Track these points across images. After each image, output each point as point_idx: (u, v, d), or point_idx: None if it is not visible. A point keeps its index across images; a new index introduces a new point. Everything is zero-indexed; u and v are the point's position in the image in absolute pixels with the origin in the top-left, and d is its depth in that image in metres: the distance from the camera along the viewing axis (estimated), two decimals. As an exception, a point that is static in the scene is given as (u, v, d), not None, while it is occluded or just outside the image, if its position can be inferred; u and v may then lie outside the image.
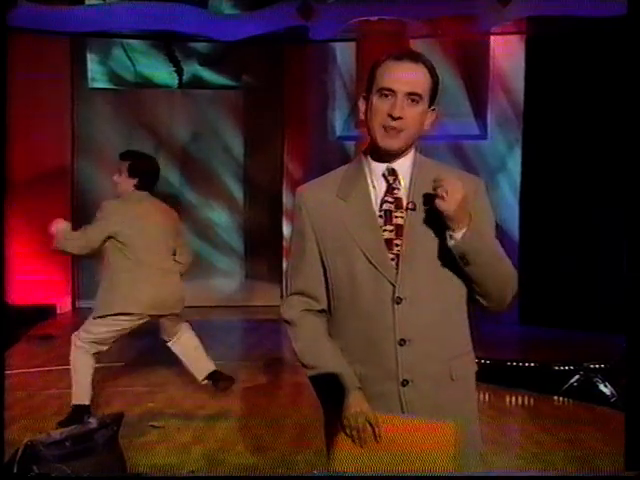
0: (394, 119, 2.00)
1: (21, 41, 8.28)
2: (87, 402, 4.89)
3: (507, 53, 9.13)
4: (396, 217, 2.05)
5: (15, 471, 3.24)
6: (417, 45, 8.50)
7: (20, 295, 8.65)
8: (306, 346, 2.13)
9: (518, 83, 8.98)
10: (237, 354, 7.10)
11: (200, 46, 10.36)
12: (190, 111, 10.32)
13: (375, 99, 2.04)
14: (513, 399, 5.86)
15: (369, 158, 2.11)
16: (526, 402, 5.81)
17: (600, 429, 4.97)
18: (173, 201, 10.16)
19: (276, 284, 9.92)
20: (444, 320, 2.06)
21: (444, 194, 1.94)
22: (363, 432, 2.01)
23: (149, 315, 5.01)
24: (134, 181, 4.97)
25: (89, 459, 3.43)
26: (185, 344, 5.37)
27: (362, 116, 2.09)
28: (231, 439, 4.77)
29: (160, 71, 10.40)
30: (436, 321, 2.05)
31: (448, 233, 1.98)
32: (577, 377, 5.84)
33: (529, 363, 6.28)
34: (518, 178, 9.02)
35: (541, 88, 8.68)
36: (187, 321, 5.43)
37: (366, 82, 2.09)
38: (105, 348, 4.99)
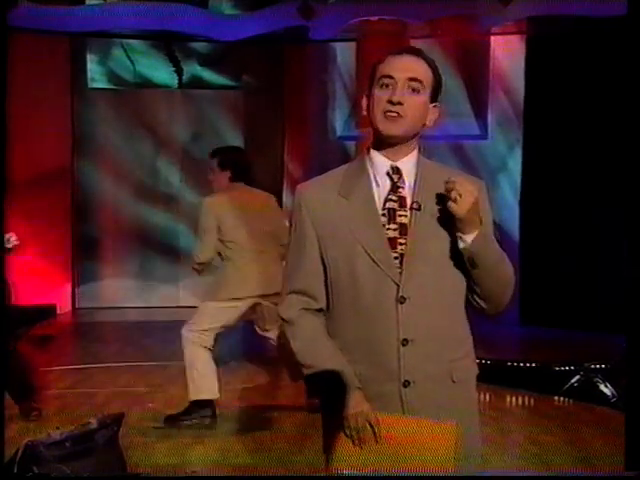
0: (394, 104, 1.99)
1: (21, 41, 8.29)
2: (210, 396, 4.90)
3: (507, 53, 9.13)
4: (400, 216, 2.03)
5: (15, 471, 3.24)
6: (417, 45, 8.47)
7: (20, 295, 8.64)
8: (305, 345, 2.11)
9: (518, 83, 8.98)
10: (237, 354, 7.09)
11: (200, 46, 10.36)
12: (190, 111, 10.31)
13: (376, 90, 2.03)
14: (513, 399, 5.86)
15: (372, 156, 2.09)
16: (526, 402, 5.82)
17: (600, 429, 4.97)
18: (173, 201, 10.23)
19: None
20: (446, 321, 2.05)
21: (457, 197, 1.93)
22: (363, 433, 1.99)
23: (256, 296, 5.01)
24: (227, 173, 5.04)
25: (89, 459, 3.43)
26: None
27: (365, 113, 2.08)
28: (231, 439, 4.78)
29: (160, 71, 10.39)
30: (438, 321, 2.04)
31: (459, 235, 1.98)
32: (577, 377, 5.83)
33: (529, 363, 6.28)
34: (518, 178, 9.02)
35: (541, 88, 8.68)
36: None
37: (368, 81, 2.08)
38: (220, 331, 5.00)
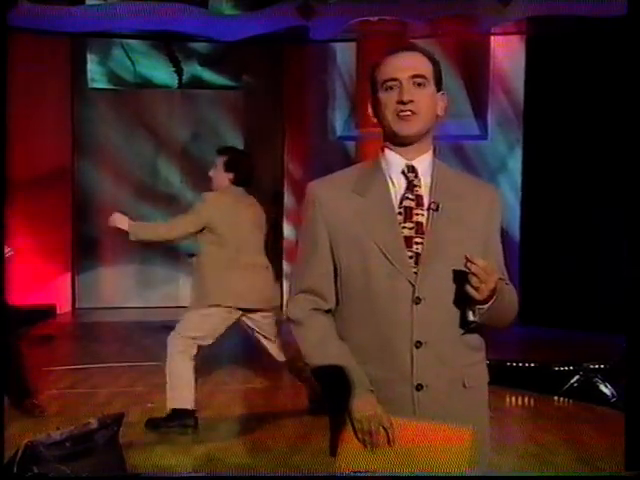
0: (405, 104, 1.97)
1: (21, 41, 8.29)
2: (186, 406, 4.81)
3: (507, 53, 9.14)
4: (416, 214, 1.99)
5: (15, 471, 3.24)
6: (417, 45, 8.50)
7: (20, 295, 8.65)
8: (314, 347, 2.05)
9: (518, 83, 8.99)
10: (237, 354, 7.08)
11: (200, 46, 10.36)
12: (190, 111, 10.32)
13: (381, 94, 2.01)
14: (513, 399, 5.86)
15: (386, 155, 2.06)
16: (526, 402, 5.81)
17: (600, 429, 4.97)
18: (173, 201, 10.22)
19: (276, 284, 9.90)
20: (460, 324, 2.00)
21: (479, 284, 1.87)
22: (376, 436, 1.94)
23: (240, 309, 4.95)
24: (229, 176, 4.99)
25: (89, 459, 3.43)
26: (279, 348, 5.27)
27: (374, 119, 2.05)
28: (231, 439, 4.77)
29: (160, 71, 10.40)
30: (452, 324, 1.99)
31: (470, 308, 1.94)
32: (577, 377, 5.84)
33: (529, 363, 6.28)
34: (519, 178, 9.03)
35: (541, 88, 8.69)
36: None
37: (369, 86, 2.06)
38: (208, 342, 4.93)
